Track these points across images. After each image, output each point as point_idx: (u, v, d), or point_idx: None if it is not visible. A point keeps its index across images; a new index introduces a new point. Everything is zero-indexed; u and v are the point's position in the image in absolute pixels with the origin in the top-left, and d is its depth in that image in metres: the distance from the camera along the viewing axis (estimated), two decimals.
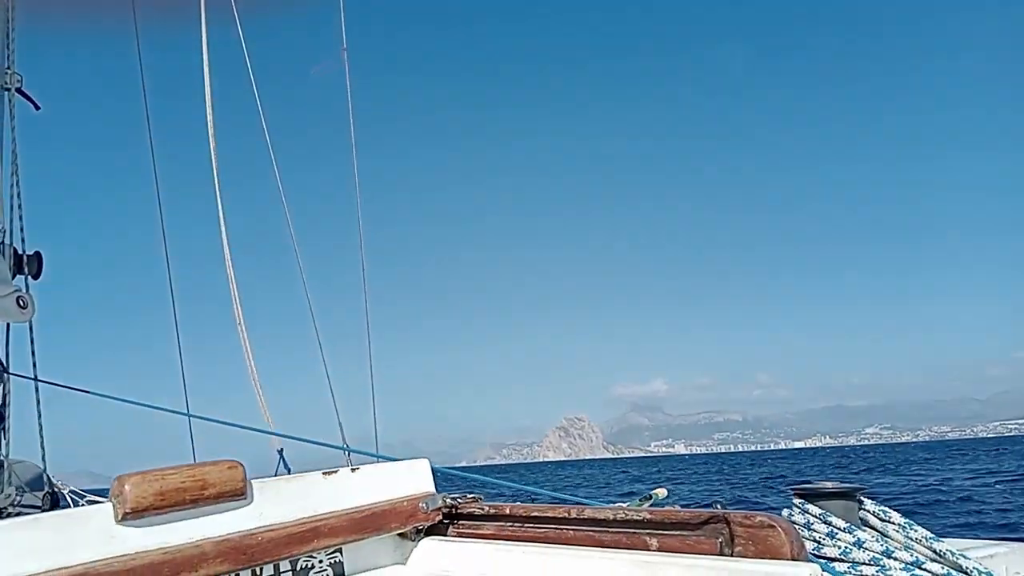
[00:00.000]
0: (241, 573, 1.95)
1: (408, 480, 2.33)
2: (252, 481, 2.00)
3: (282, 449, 3.06)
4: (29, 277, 3.32)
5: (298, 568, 2.07)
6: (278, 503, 2.04)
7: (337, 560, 2.15)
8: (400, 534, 2.30)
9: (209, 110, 3.95)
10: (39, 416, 3.19)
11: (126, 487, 1.76)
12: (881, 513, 1.99)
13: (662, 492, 2.45)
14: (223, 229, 3.34)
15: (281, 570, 2.04)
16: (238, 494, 1.96)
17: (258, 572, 1.99)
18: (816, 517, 1.97)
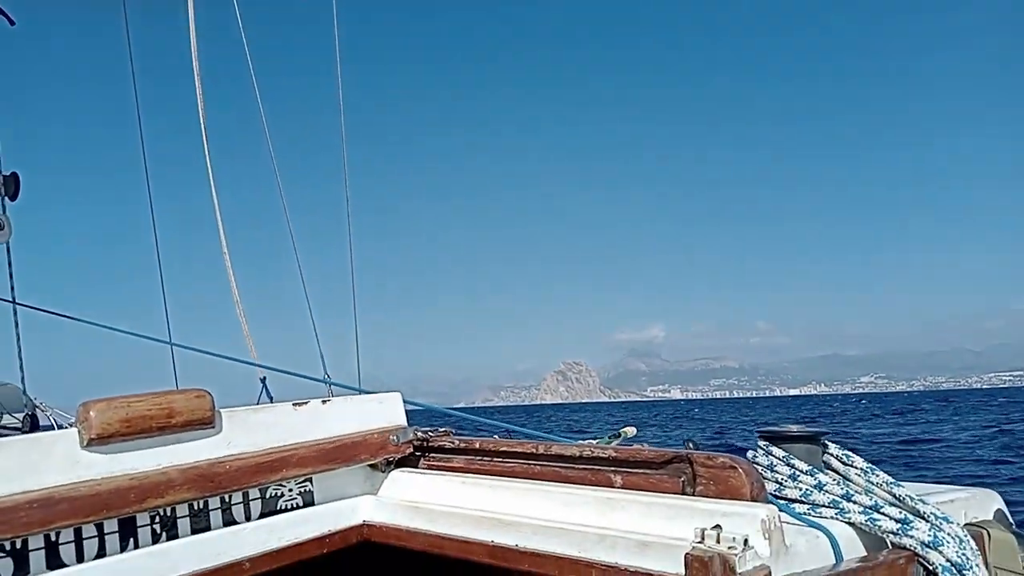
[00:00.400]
0: (209, 500, 1.97)
1: (380, 413, 2.35)
2: (221, 410, 2.00)
3: (264, 378, 3.06)
4: (6, 198, 3.26)
5: (267, 496, 2.09)
6: (247, 432, 2.05)
7: (307, 489, 2.18)
8: (371, 465, 2.32)
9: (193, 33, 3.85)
10: (18, 339, 3.18)
11: (91, 413, 1.76)
12: (844, 457, 2.00)
13: (630, 431, 2.47)
14: (208, 164, 3.28)
15: (250, 498, 2.06)
16: (206, 423, 1.97)
17: (226, 499, 2.01)
18: (779, 459, 1.98)
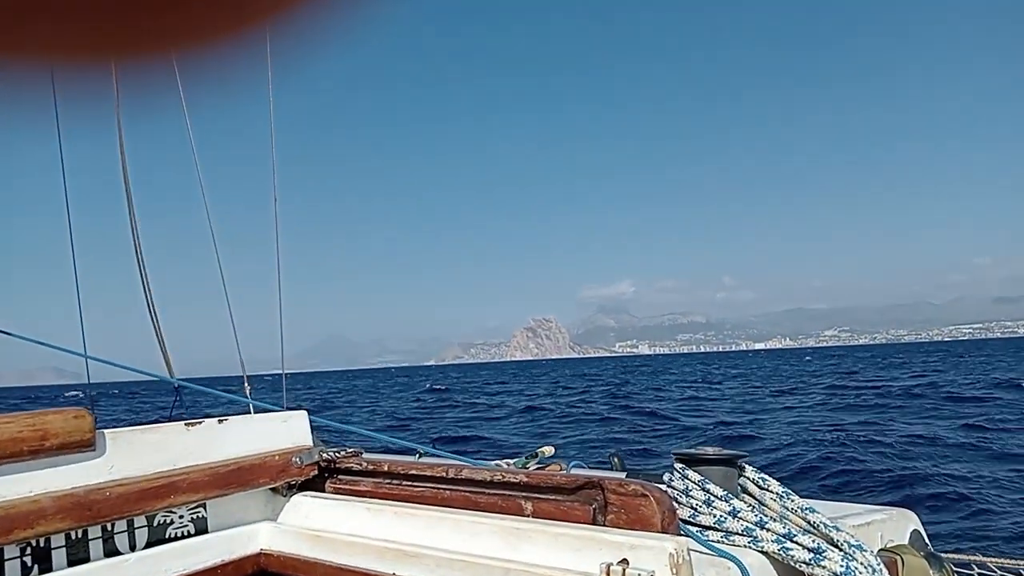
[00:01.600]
0: (88, 530, 1.85)
1: (283, 432, 2.23)
2: (104, 432, 1.87)
3: (180, 387, 2.92)
4: None
5: (155, 524, 1.97)
6: (132, 455, 1.92)
7: (200, 515, 2.05)
8: (272, 489, 2.21)
9: None
10: None
11: None
12: (760, 481, 1.94)
13: (548, 450, 2.39)
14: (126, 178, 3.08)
15: (135, 526, 1.94)
16: (84, 445, 1.83)
17: (108, 528, 1.88)
18: (695, 484, 1.92)
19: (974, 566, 2.76)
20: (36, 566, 1.76)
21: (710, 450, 1.97)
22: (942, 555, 2.07)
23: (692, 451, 1.98)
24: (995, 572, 2.76)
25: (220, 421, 2.14)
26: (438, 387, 50.71)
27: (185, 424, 2.08)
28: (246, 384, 2.90)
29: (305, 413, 2.31)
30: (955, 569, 2.49)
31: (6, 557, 1.72)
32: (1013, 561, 2.80)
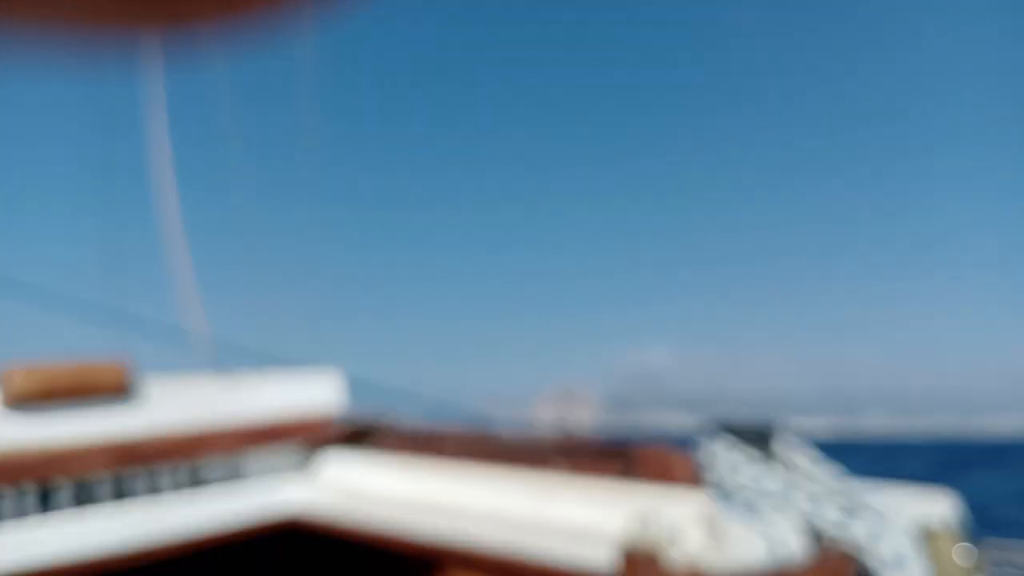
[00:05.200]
0: (131, 472, 1.91)
1: (319, 391, 2.28)
2: (150, 381, 1.95)
3: (215, 349, 2.99)
4: None
5: (194, 470, 2.03)
6: (177, 405, 1.99)
7: (236, 466, 2.11)
8: (306, 445, 2.26)
9: None
10: None
11: (12, 380, 1.73)
12: (792, 449, 1.94)
13: (576, 421, 2.41)
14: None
15: (175, 471, 2.00)
16: (129, 393, 1.91)
17: (149, 472, 1.95)
18: (724, 449, 1.92)
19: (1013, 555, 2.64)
20: (84, 502, 1.83)
21: (742, 416, 1.99)
22: (980, 540, 2.02)
23: (723, 419, 1.99)
24: None
25: (260, 377, 2.21)
26: None
27: (226, 377, 2.15)
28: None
29: (340, 373, 2.37)
30: (994, 553, 2.40)
31: (59, 492, 1.79)
32: None
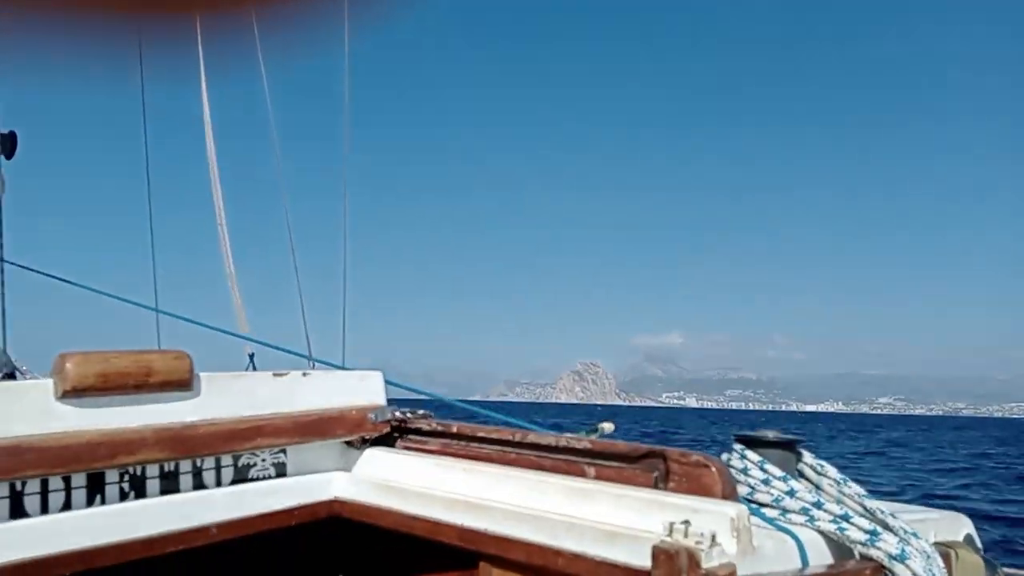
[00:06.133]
0: (180, 462, 1.99)
1: (360, 390, 2.36)
2: (199, 374, 2.01)
3: (253, 354, 3.08)
4: (2, 156, 3.29)
5: (240, 464, 2.10)
6: (224, 398, 2.06)
7: (280, 460, 2.18)
8: (346, 441, 2.32)
9: None
10: (2, 297, 3.21)
11: (68, 365, 1.76)
12: (818, 467, 1.98)
13: (608, 426, 2.46)
14: (209, 133, 3.30)
15: (222, 464, 2.07)
16: (183, 384, 1.97)
17: (198, 463, 2.02)
18: (753, 463, 1.97)
19: None
20: (132, 491, 1.90)
21: (770, 433, 2.03)
22: (995, 562, 2.08)
23: (752, 433, 2.04)
24: None
25: (304, 375, 2.28)
26: None
27: (273, 374, 2.22)
28: (309, 348, 3.05)
29: (380, 374, 2.44)
30: None
31: (107, 481, 1.86)
32: None
